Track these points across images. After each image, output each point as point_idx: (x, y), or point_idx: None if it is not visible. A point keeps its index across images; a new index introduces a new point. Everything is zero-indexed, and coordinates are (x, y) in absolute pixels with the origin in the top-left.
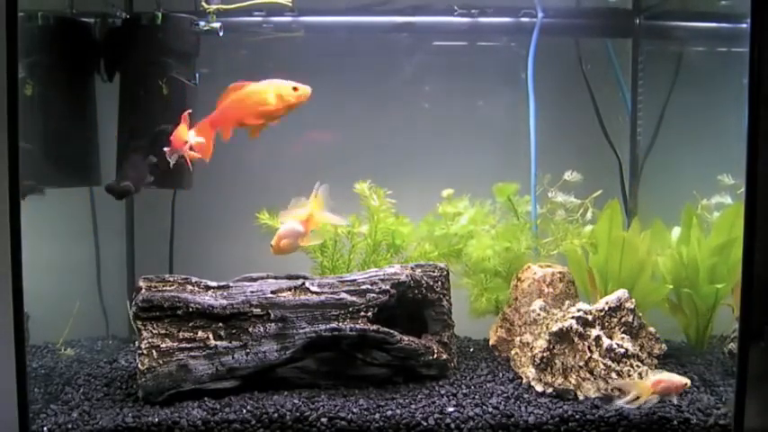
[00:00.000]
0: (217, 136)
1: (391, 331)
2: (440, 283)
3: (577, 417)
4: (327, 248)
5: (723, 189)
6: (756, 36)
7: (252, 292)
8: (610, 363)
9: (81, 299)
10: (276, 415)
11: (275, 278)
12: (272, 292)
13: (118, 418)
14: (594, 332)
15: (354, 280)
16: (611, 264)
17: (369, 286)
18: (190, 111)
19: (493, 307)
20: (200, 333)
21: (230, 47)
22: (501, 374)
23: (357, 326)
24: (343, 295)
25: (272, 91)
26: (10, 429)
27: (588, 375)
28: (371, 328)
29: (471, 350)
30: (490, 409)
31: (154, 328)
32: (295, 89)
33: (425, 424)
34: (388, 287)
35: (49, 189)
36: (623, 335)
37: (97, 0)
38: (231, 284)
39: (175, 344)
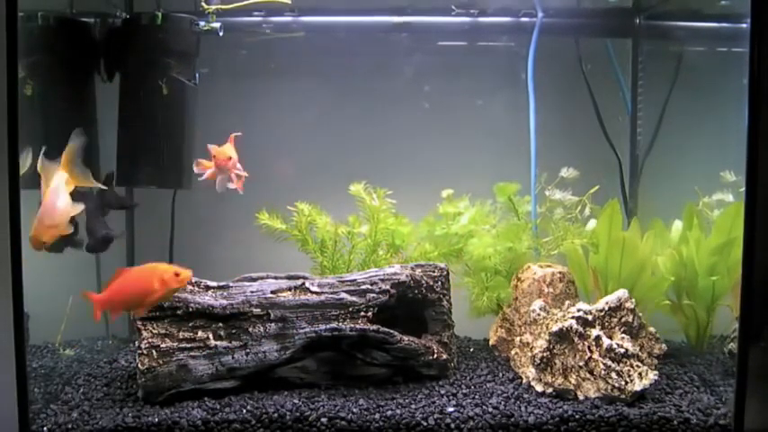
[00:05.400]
0: None
1: (391, 331)
2: (440, 283)
3: (577, 417)
4: (327, 248)
5: (725, 186)
6: (756, 36)
7: (252, 292)
8: (610, 363)
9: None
10: (276, 415)
11: (275, 278)
12: (272, 292)
13: (118, 418)
14: (594, 332)
15: (354, 280)
16: (611, 264)
17: (369, 286)
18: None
19: (494, 305)
20: (200, 333)
21: (230, 47)
22: (501, 374)
23: (357, 326)
24: (343, 295)
25: (156, 277)
26: (10, 429)
27: (588, 375)
28: (371, 328)
29: (471, 350)
30: (490, 409)
31: (154, 328)
32: (177, 274)
33: (425, 424)
34: (388, 287)
35: None
36: (623, 335)
37: (97, 0)
38: (231, 284)
39: (175, 344)
